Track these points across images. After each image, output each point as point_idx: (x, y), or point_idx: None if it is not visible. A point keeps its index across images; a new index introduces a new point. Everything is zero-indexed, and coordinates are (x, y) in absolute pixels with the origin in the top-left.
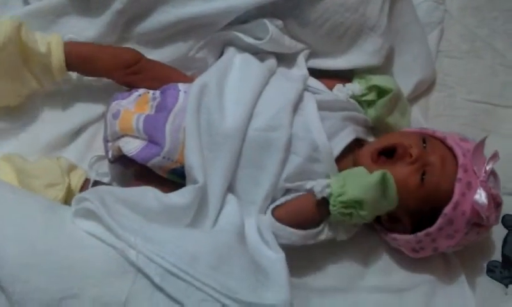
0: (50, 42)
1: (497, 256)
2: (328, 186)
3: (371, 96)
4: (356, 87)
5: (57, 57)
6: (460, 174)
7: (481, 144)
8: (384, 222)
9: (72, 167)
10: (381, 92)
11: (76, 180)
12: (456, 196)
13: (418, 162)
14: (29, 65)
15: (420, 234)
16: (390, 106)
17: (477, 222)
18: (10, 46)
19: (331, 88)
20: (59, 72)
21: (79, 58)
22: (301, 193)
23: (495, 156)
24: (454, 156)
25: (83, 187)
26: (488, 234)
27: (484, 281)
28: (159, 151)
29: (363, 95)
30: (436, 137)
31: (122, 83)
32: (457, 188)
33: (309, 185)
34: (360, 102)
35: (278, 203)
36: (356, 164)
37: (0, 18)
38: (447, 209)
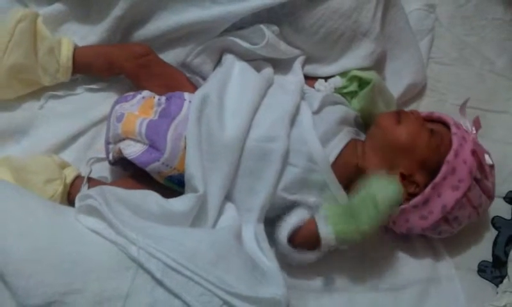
0: (61, 38)
1: (488, 256)
2: (326, 219)
3: (353, 87)
4: (337, 80)
5: (66, 48)
6: (454, 129)
7: (464, 106)
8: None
9: (63, 164)
10: (362, 83)
11: (68, 176)
12: (455, 145)
13: (422, 121)
14: (38, 51)
15: (427, 190)
16: (372, 96)
17: (479, 179)
18: (27, 21)
19: (312, 86)
20: (65, 63)
21: (89, 53)
22: (306, 211)
23: (477, 119)
24: (444, 124)
25: (74, 183)
26: (479, 234)
27: (476, 281)
28: (159, 156)
29: (344, 87)
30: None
31: (132, 75)
32: (455, 140)
33: (311, 199)
34: (343, 96)
35: (289, 228)
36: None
37: None
38: (449, 156)
